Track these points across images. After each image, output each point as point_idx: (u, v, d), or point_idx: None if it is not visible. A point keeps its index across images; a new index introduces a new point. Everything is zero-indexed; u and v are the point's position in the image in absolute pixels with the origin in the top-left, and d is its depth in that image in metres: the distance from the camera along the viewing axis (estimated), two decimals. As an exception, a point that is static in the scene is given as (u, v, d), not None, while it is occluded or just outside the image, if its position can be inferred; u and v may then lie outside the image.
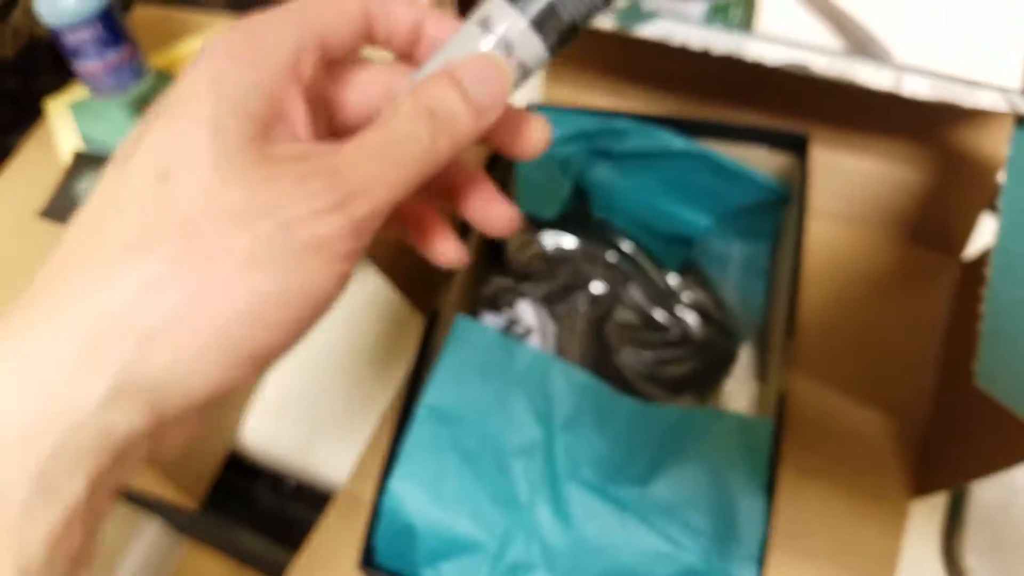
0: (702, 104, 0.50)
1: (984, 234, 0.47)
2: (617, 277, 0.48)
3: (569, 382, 0.40)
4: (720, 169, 0.46)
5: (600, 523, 0.36)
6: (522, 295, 0.48)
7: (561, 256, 0.49)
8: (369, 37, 0.24)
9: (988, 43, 0.61)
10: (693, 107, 0.50)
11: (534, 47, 0.23)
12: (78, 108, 0.57)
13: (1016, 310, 0.32)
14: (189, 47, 0.59)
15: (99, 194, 0.21)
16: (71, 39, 0.46)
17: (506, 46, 0.23)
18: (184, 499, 0.50)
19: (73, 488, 0.18)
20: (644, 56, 0.48)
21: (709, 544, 0.36)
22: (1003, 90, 0.43)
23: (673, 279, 0.48)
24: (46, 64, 0.58)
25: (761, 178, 0.46)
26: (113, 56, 0.48)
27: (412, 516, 0.37)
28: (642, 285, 0.48)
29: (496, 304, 0.48)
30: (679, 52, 0.45)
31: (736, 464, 0.37)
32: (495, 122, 0.24)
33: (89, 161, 0.53)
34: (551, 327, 0.47)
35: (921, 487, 0.42)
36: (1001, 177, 0.43)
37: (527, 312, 0.47)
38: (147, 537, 0.89)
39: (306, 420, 0.52)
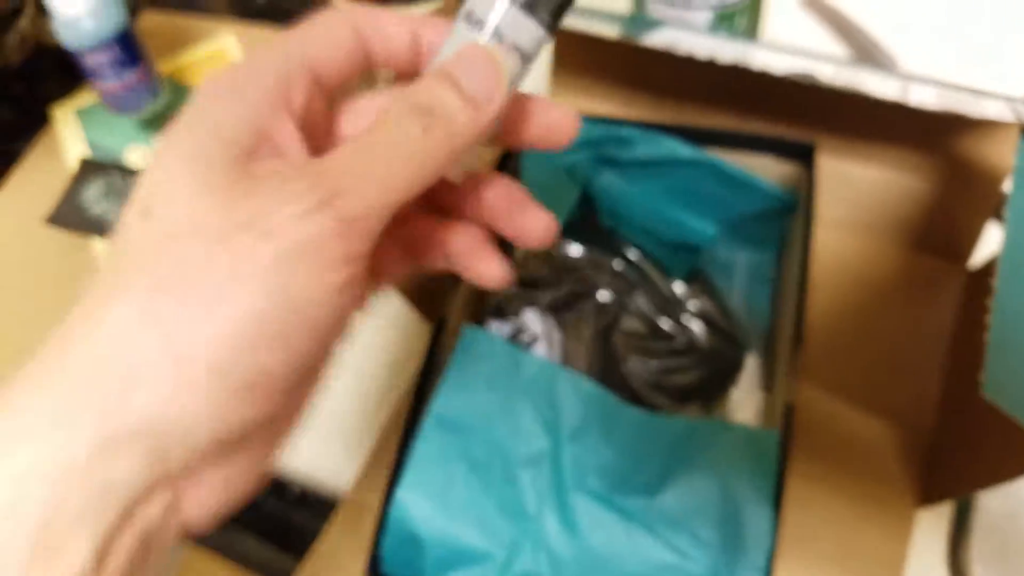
0: (708, 112, 0.50)
1: (989, 242, 0.47)
2: (623, 285, 0.48)
3: (576, 392, 0.40)
4: (726, 177, 0.46)
5: (607, 533, 0.36)
6: (528, 303, 0.48)
7: (567, 264, 0.49)
8: (368, 60, 0.23)
9: (994, 52, 0.61)
10: (699, 115, 0.50)
11: (528, 29, 0.22)
12: (84, 115, 0.57)
13: (1022, 320, 0.32)
14: (196, 54, 0.60)
15: (109, 247, 0.20)
16: (90, 61, 0.48)
17: (497, 35, 0.22)
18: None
19: (78, 550, 0.17)
20: (650, 64, 0.48)
21: (716, 555, 0.36)
22: (1009, 99, 0.43)
23: (679, 287, 0.48)
24: (52, 71, 0.58)
25: (767, 186, 0.46)
26: (130, 77, 0.49)
27: (419, 526, 0.37)
28: (648, 293, 0.48)
29: (502, 312, 0.48)
30: (685, 60, 0.46)
31: (743, 475, 0.37)
32: (518, 116, 0.23)
33: (95, 168, 0.53)
34: (557, 335, 0.47)
35: (927, 496, 0.42)
36: (1007, 186, 0.44)
37: (533, 320, 0.47)
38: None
39: (311, 427, 0.52)
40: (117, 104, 0.51)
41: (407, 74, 0.24)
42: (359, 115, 0.23)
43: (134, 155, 0.55)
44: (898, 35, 0.62)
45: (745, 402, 0.45)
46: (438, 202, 0.25)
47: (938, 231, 0.48)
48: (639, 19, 0.53)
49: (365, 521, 0.41)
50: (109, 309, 0.18)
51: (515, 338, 0.47)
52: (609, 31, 0.49)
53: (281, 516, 0.53)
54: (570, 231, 0.49)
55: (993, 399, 0.32)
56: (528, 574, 0.37)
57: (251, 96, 0.20)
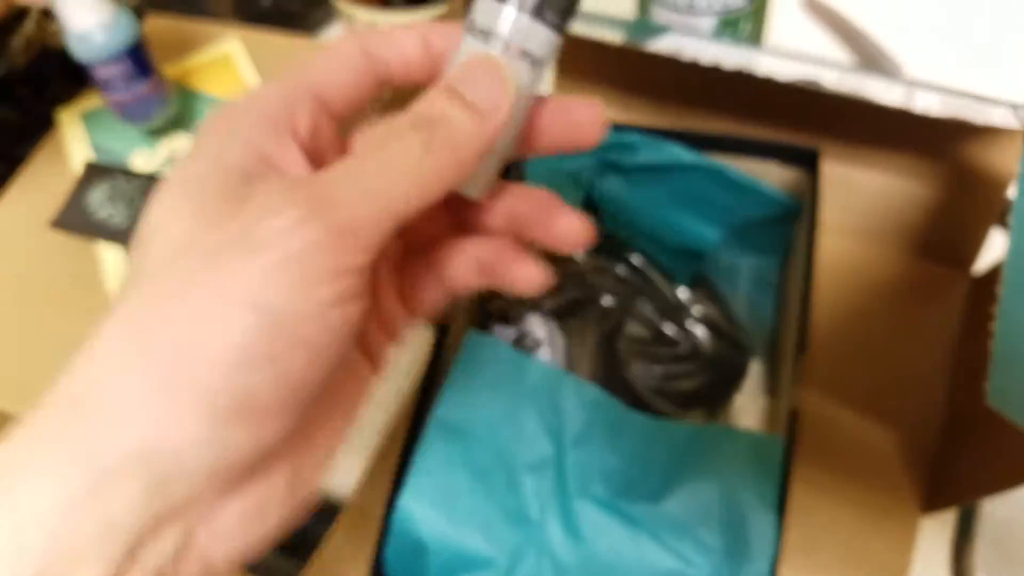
0: (712, 118, 0.50)
1: (993, 248, 0.47)
2: (627, 290, 0.48)
3: (580, 397, 0.40)
4: (730, 183, 0.46)
5: (611, 540, 0.36)
6: (532, 308, 0.48)
7: (571, 269, 0.49)
8: (382, 81, 0.23)
9: (999, 57, 0.61)
10: (703, 121, 0.50)
11: (535, 33, 0.21)
12: (90, 118, 0.57)
13: (1028, 328, 0.32)
14: (201, 58, 0.60)
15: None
16: (102, 73, 0.49)
17: (503, 42, 0.21)
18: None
19: None
20: (654, 69, 0.48)
21: (720, 561, 0.36)
22: (1014, 106, 0.43)
23: (683, 293, 0.48)
24: (58, 74, 0.58)
25: (771, 192, 0.46)
26: (140, 88, 0.50)
27: (423, 532, 0.37)
28: (652, 299, 0.48)
29: (506, 317, 0.48)
30: (689, 66, 0.46)
31: (747, 481, 0.37)
32: (539, 121, 0.23)
33: (100, 171, 0.53)
34: (561, 341, 0.47)
35: (931, 503, 0.42)
36: (1011, 193, 0.44)
37: (537, 325, 0.47)
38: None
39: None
40: (127, 115, 0.52)
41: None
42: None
43: (139, 159, 0.55)
44: (902, 40, 0.62)
45: (749, 408, 0.45)
46: (465, 221, 0.25)
47: (942, 237, 0.48)
48: (643, 24, 0.54)
49: (368, 527, 0.41)
50: (99, 340, 0.18)
51: (519, 343, 0.47)
52: (613, 36, 0.49)
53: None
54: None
55: (998, 407, 0.32)
56: (532, 580, 0.37)
57: (251, 123, 0.20)
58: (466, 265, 0.24)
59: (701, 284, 0.48)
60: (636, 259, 0.49)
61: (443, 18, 0.50)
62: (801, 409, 0.39)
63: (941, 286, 0.48)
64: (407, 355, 0.53)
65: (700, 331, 0.47)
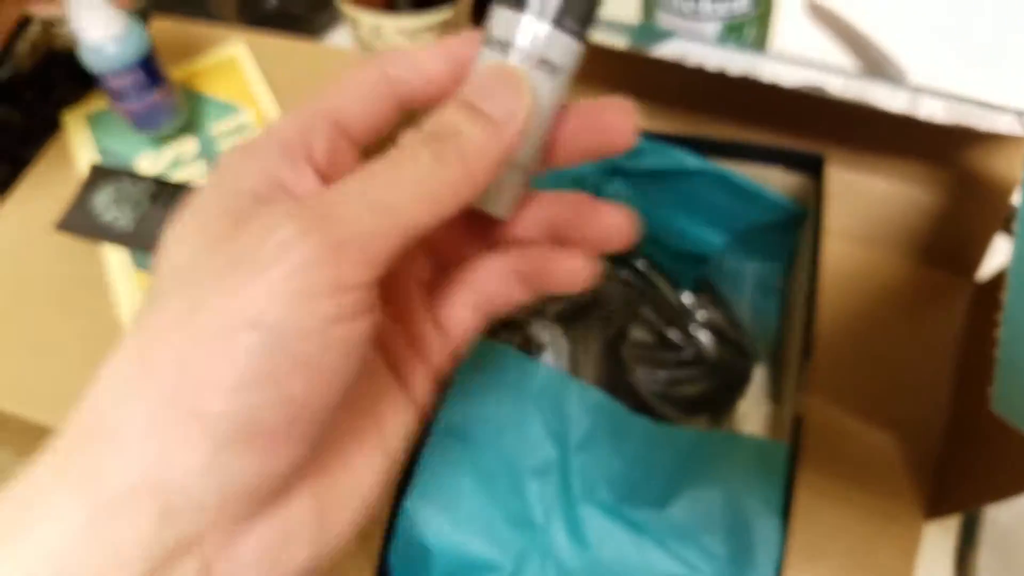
0: (717, 123, 0.50)
1: (997, 254, 0.47)
2: (631, 295, 0.48)
3: (584, 402, 0.40)
4: (735, 188, 0.46)
5: (616, 545, 0.36)
6: (536, 313, 0.48)
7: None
8: (407, 99, 0.22)
9: (1005, 64, 0.61)
10: (708, 126, 0.51)
11: (555, 41, 0.21)
12: (95, 121, 0.57)
13: (1033, 336, 0.32)
14: (206, 61, 0.60)
15: None
16: (114, 84, 0.50)
17: (520, 52, 0.21)
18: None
19: None
20: (658, 74, 0.48)
21: (725, 567, 0.36)
22: (1019, 113, 0.43)
23: (687, 298, 0.48)
24: (63, 77, 0.58)
25: (775, 197, 0.46)
26: (151, 98, 0.51)
27: (427, 537, 0.37)
28: (656, 304, 0.48)
29: (510, 322, 0.48)
30: (694, 71, 0.46)
31: (752, 487, 0.37)
32: (566, 129, 0.22)
33: (106, 174, 0.53)
34: (565, 345, 0.47)
35: (935, 509, 0.42)
36: (1016, 199, 0.44)
37: (541, 330, 0.47)
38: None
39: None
40: (139, 124, 0.53)
41: None
42: None
43: (145, 162, 0.55)
44: (906, 46, 0.62)
45: (753, 413, 0.46)
46: (498, 236, 0.24)
47: (946, 243, 0.48)
48: (648, 29, 0.54)
49: (372, 530, 0.41)
50: (108, 368, 0.18)
51: (523, 348, 0.47)
52: (617, 41, 0.49)
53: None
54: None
55: (1003, 413, 0.32)
56: (536, 585, 0.37)
57: (265, 151, 0.20)
58: (506, 280, 0.24)
59: (705, 289, 0.48)
60: (640, 264, 0.49)
61: (449, 21, 0.51)
62: (806, 415, 0.39)
63: (945, 292, 0.48)
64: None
65: (704, 336, 0.47)
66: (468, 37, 0.22)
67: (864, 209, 0.49)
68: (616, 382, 0.45)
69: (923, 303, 0.48)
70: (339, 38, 0.70)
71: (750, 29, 0.54)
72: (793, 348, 0.43)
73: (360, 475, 0.21)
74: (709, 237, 0.49)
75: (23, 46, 0.56)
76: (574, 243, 0.23)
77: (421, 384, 0.24)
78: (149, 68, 0.50)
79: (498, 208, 0.23)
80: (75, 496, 0.17)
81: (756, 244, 0.49)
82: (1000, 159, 0.44)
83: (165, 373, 0.17)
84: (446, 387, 0.42)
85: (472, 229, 0.24)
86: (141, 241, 0.50)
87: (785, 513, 0.37)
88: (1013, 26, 0.64)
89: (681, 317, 0.47)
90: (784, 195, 0.47)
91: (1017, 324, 0.33)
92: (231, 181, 0.19)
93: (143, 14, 0.61)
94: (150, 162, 0.55)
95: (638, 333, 0.47)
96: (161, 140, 0.55)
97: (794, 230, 0.48)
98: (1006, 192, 0.44)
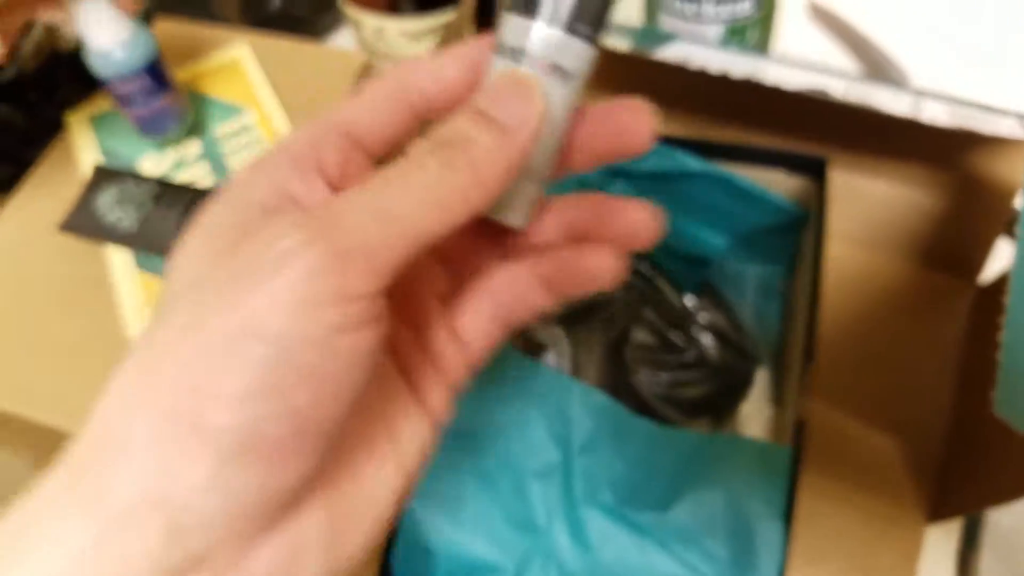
0: (719, 126, 0.50)
1: (1000, 258, 0.47)
2: (633, 297, 0.48)
3: (587, 404, 0.40)
4: (737, 191, 0.47)
5: (618, 548, 0.36)
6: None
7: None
8: (423, 108, 0.22)
9: (1007, 67, 0.61)
10: (711, 129, 0.51)
11: (567, 45, 0.20)
12: (99, 122, 0.57)
13: (1035, 339, 0.32)
14: (210, 63, 0.60)
15: None
16: (121, 89, 0.50)
17: (531, 59, 0.20)
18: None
19: None
20: (661, 77, 0.48)
21: (727, 570, 0.36)
22: (1022, 116, 0.43)
23: (690, 300, 0.48)
24: (67, 78, 0.58)
25: (778, 200, 0.47)
26: (158, 103, 0.52)
27: (430, 538, 0.37)
28: (659, 306, 0.48)
29: (512, 323, 0.48)
30: (697, 74, 0.46)
31: (755, 490, 0.37)
32: (582, 134, 0.21)
33: (109, 175, 0.53)
34: (567, 347, 0.47)
35: (937, 512, 0.42)
36: (1018, 202, 0.44)
37: (543, 332, 0.47)
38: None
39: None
40: (146, 129, 0.53)
41: None
42: None
43: (148, 163, 0.55)
44: (909, 48, 0.62)
45: (754, 416, 0.46)
46: (518, 244, 0.24)
47: (949, 247, 0.48)
48: (651, 32, 0.54)
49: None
50: (115, 382, 0.18)
51: (525, 350, 0.47)
52: (620, 44, 0.49)
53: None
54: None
55: (1005, 417, 0.32)
56: (538, 587, 0.37)
57: (275, 164, 0.20)
58: (527, 287, 0.23)
59: (707, 292, 0.49)
60: (643, 266, 0.49)
61: (452, 24, 0.51)
62: (808, 418, 0.39)
63: (947, 295, 0.48)
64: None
65: (706, 339, 0.47)
66: (483, 42, 0.22)
67: (866, 212, 0.49)
68: (618, 384, 0.45)
69: (925, 306, 0.48)
70: (342, 40, 0.70)
71: (752, 32, 0.54)
72: (795, 351, 0.44)
73: (373, 490, 0.21)
74: (711, 239, 0.49)
75: (27, 47, 0.56)
76: (600, 243, 0.22)
77: (437, 397, 0.23)
78: (156, 73, 0.51)
79: (514, 218, 0.22)
80: (82, 512, 0.16)
81: (758, 247, 0.49)
82: (1003, 162, 0.44)
83: (168, 386, 0.17)
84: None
85: (489, 237, 0.24)
86: (144, 242, 0.50)
87: (787, 516, 0.37)
88: (1015, 28, 0.64)
89: (683, 319, 0.47)
90: (786, 198, 0.47)
91: (1020, 327, 0.33)
92: (240, 194, 0.19)
93: (147, 15, 0.62)
94: (153, 163, 0.55)
95: (640, 335, 0.47)
96: (165, 142, 0.55)
97: (796, 233, 0.48)
98: (1008, 195, 0.44)
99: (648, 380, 0.46)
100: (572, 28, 0.20)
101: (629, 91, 0.52)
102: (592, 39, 0.21)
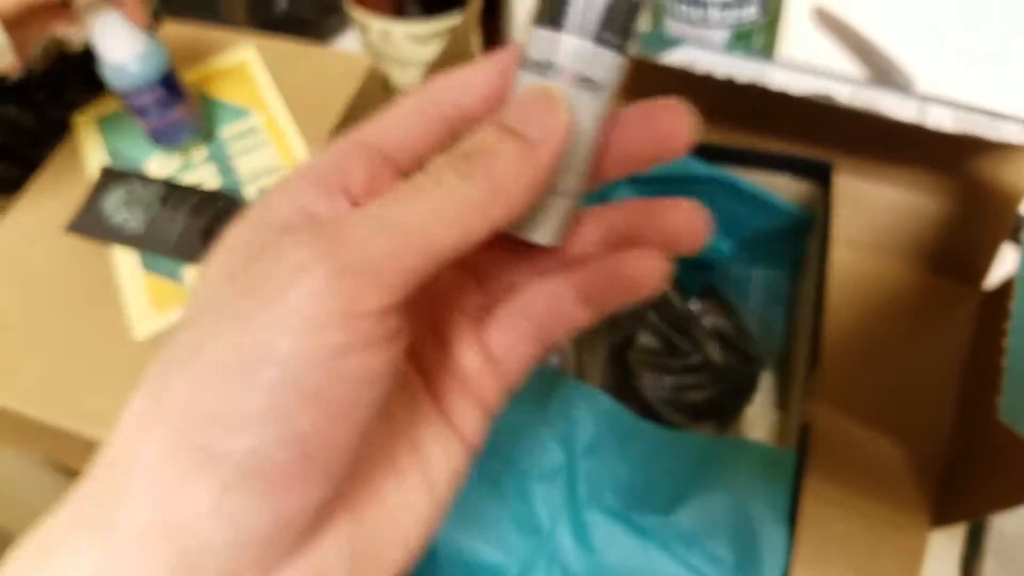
0: (725, 130, 0.50)
1: (1004, 263, 0.47)
2: (638, 301, 0.48)
3: (591, 407, 0.40)
4: (742, 195, 0.47)
5: (622, 551, 0.36)
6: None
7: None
8: (457, 121, 0.21)
9: (1013, 73, 0.61)
10: (716, 133, 0.51)
11: (596, 56, 0.20)
12: (106, 123, 0.58)
13: (1040, 345, 0.32)
14: (217, 65, 0.60)
15: None
16: (136, 101, 0.51)
17: (561, 72, 0.20)
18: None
19: None
20: (667, 82, 0.48)
21: (731, 574, 0.36)
22: (1027, 122, 0.43)
23: (694, 304, 0.48)
24: (75, 79, 0.59)
25: (783, 204, 0.47)
26: (172, 114, 0.52)
27: (434, 540, 0.37)
28: (663, 310, 0.48)
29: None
30: (702, 78, 0.46)
31: (759, 494, 0.37)
32: (615, 141, 0.21)
33: (116, 176, 0.54)
34: (571, 350, 0.47)
35: (941, 518, 0.42)
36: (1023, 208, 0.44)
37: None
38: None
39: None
40: (160, 139, 0.54)
41: None
42: None
43: (155, 164, 0.55)
44: (914, 53, 0.62)
45: (759, 420, 0.46)
46: (555, 258, 0.23)
47: (954, 252, 0.48)
48: (657, 37, 0.54)
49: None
50: (130, 406, 0.17)
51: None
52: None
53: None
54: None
55: (1011, 422, 0.32)
56: (542, 590, 0.37)
57: (298, 182, 0.19)
58: (565, 302, 0.22)
59: (712, 296, 0.49)
60: (648, 270, 0.49)
61: (458, 27, 0.51)
62: (812, 423, 0.39)
63: (952, 301, 0.48)
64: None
65: (711, 343, 0.47)
66: (516, 49, 0.21)
67: (872, 217, 0.49)
68: (622, 388, 0.46)
69: (930, 312, 0.48)
70: (348, 42, 0.71)
71: (758, 36, 0.54)
72: (800, 355, 0.44)
73: (400, 517, 0.20)
74: (716, 244, 0.49)
75: (35, 49, 0.57)
76: (646, 249, 0.21)
77: (469, 420, 0.22)
78: (170, 85, 0.51)
79: (542, 235, 0.21)
80: (91, 541, 0.16)
81: (763, 251, 0.49)
82: (1008, 168, 0.44)
83: (174, 410, 0.16)
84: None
85: (523, 251, 0.23)
86: (150, 243, 0.51)
87: (791, 520, 0.37)
88: (1021, 32, 0.64)
89: (688, 323, 0.47)
90: (792, 202, 0.47)
91: (1025, 333, 0.33)
92: (261, 215, 0.19)
93: (155, 16, 0.62)
94: (160, 165, 0.55)
95: (645, 339, 0.47)
96: (177, 151, 0.56)
97: (801, 237, 0.48)
98: (1014, 201, 0.45)
99: (652, 384, 0.46)
100: (600, 38, 0.20)
101: (635, 96, 0.52)
102: (621, 48, 0.20)
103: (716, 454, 0.39)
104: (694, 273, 0.49)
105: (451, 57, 0.50)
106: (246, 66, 0.60)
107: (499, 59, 0.21)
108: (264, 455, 0.16)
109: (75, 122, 0.58)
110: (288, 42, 0.61)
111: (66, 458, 0.52)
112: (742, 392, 0.46)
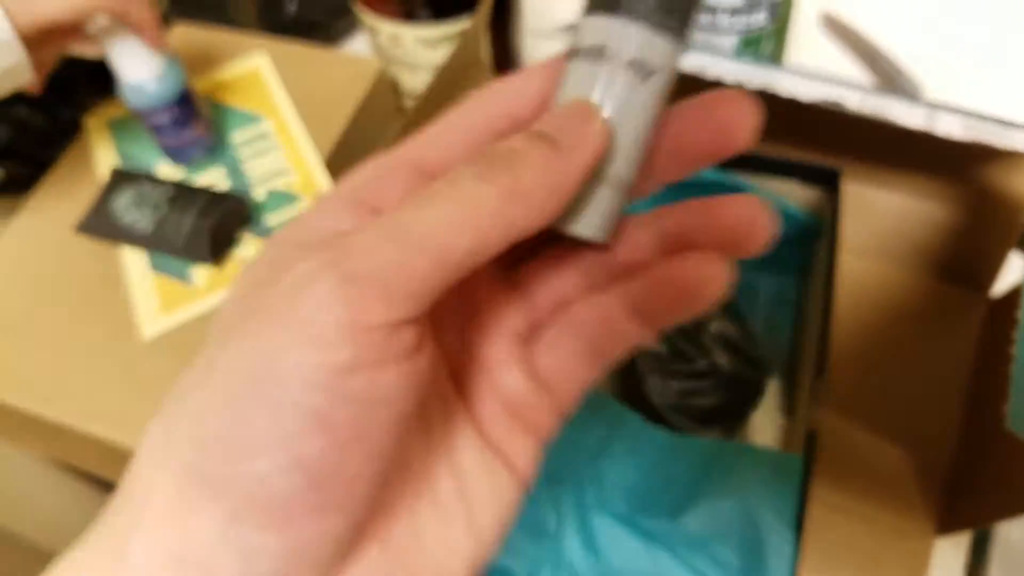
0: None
1: (1011, 271, 0.47)
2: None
3: (600, 411, 0.40)
4: (750, 201, 0.47)
5: (629, 555, 0.37)
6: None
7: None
8: (509, 130, 0.19)
9: (1019, 78, 0.61)
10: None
11: (652, 43, 0.18)
12: (117, 126, 0.58)
13: (1049, 354, 0.32)
14: (229, 72, 0.60)
15: None
16: (153, 120, 0.52)
17: (614, 60, 0.19)
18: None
19: None
20: (676, 88, 0.48)
21: (737, 579, 0.36)
22: (1036, 130, 0.43)
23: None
24: (85, 80, 0.59)
25: (790, 210, 0.47)
26: (187, 134, 0.54)
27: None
28: (670, 315, 0.48)
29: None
30: (711, 84, 0.46)
31: (766, 499, 0.37)
32: (668, 137, 0.19)
33: (126, 177, 0.54)
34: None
35: (946, 525, 0.42)
36: (1031, 216, 0.44)
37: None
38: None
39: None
40: (174, 156, 0.55)
41: None
42: None
43: (164, 167, 0.56)
44: (922, 59, 0.62)
45: (765, 426, 0.46)
46: (603, 271, 0.21)
47: (961, 260, 0.48)
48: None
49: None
50: (148, 431, 0.17)
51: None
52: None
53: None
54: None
55: (1018, 431, 0.32)
56: (549, 593, 0.37)
57: (330, 200, 0.18)
58: (617, 319, 0.20)
59: (719, 301, 0.49)
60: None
61: (467, 31, 0.51)
62: (819, 430, 0.39)
63: (959, 308, 0.48)
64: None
65: (718, 348, 0.47)
66: (546, 62, 0.20)
67: (880, 224, 0.49)
68: (630, 392, 0.46)
69: (937, 319, 0.48)
70: (358, 45, 0.71)
71: (767, 43, 0.54)
72: (807, 361, 0.44)
73: (440, 558, 0.18)
74: (724, 249, 0.49)
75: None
76: (704, 250, 0.19)
77: (520, 450, 0.20)
78: (185, 105, 0.52)
79: (588, 228, 0.19)
80: (104, 573, 0.15)
81: (771, 257, 0.49)
82: (1016, 176, 0.44)
83: (183, 437, 0.16)
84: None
85: (572, 265, 0.21)
86: (159, 244, 0.51)
87: (797, 526, 0.37)
88: (1029, 43, 0.64)
89: (694, 329, 0.48)
90: (799, 209, 0.47)
91: (1033, 342, 0.33)
92: (292, 233, 0.18)
93: (165, 18, 0.62)
94: (170, 168, 0.56)
95: (651, 343, 0.47)
96: (189, 167, 0.56)
97: (809, 244, 0.48)
98: (1021, 210, 0.45)
99: (659, 389, 0.46)
100: (656, 21, 0.18)
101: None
102: (678, 33, 0.19)
103: (723, 459, 0.39)
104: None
105: (460, 61, 0.50)
106: (258, 73, 0.60)
107: (550, 64, 0.20)
108: (269, 483, 0.15)
109: (86, 125, 0.58)
110: (298, 45, 0.62)
111: (73, 458, 0.52)
112: (749, 398, 0.46)
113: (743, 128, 0.18)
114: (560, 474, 0.39)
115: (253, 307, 0.16)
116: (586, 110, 0.18)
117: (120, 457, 0.46)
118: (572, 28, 0.20)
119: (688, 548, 0.37)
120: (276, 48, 0.61)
